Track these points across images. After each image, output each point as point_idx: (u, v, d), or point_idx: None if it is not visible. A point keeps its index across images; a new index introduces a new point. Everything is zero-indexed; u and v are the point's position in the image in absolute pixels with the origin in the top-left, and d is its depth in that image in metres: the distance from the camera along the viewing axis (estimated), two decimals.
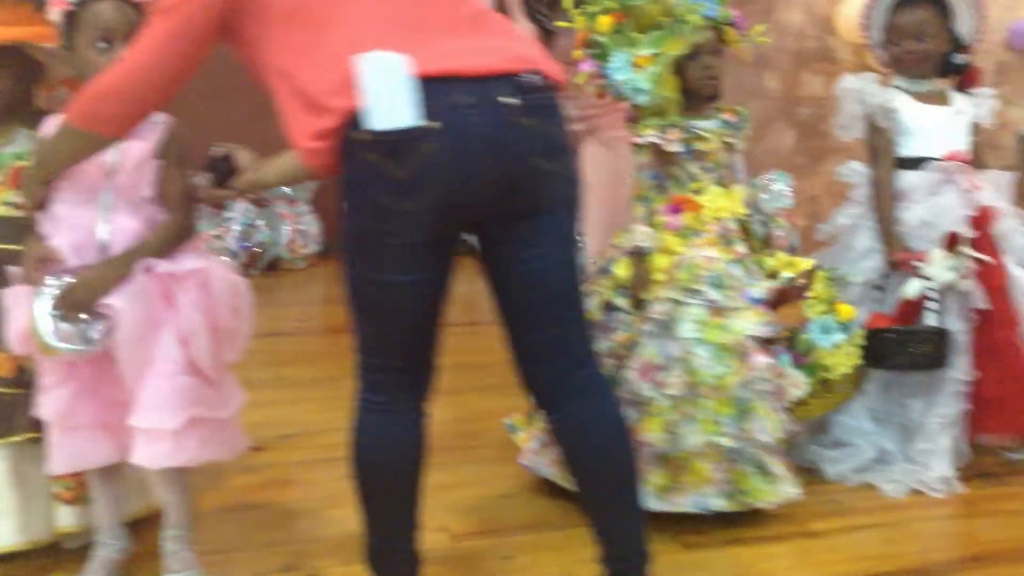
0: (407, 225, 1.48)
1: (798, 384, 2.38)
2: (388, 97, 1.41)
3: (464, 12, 1.57)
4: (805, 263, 2.41)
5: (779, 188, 2.57)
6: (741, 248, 2.33)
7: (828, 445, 2.64)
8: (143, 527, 2.13)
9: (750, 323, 2.22)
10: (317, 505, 2.37)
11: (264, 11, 1.53)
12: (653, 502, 2.20)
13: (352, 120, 1.44)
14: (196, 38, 1.57)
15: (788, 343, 2.43)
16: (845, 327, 2.44)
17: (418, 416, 1.67)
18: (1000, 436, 2.64)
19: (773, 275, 2.37)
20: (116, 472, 2.01)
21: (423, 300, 1.57)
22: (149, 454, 1.84)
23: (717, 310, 2.21)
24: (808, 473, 2.58)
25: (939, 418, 2.53)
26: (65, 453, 1.89)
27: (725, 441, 2.18)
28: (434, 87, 1.44)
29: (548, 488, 2.39)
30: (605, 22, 2.34)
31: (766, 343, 2.41)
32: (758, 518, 2.30)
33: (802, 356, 2.41)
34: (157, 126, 1.93)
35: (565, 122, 1.60)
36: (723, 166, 2.39)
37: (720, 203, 2.33)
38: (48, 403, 1.88)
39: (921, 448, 2.53)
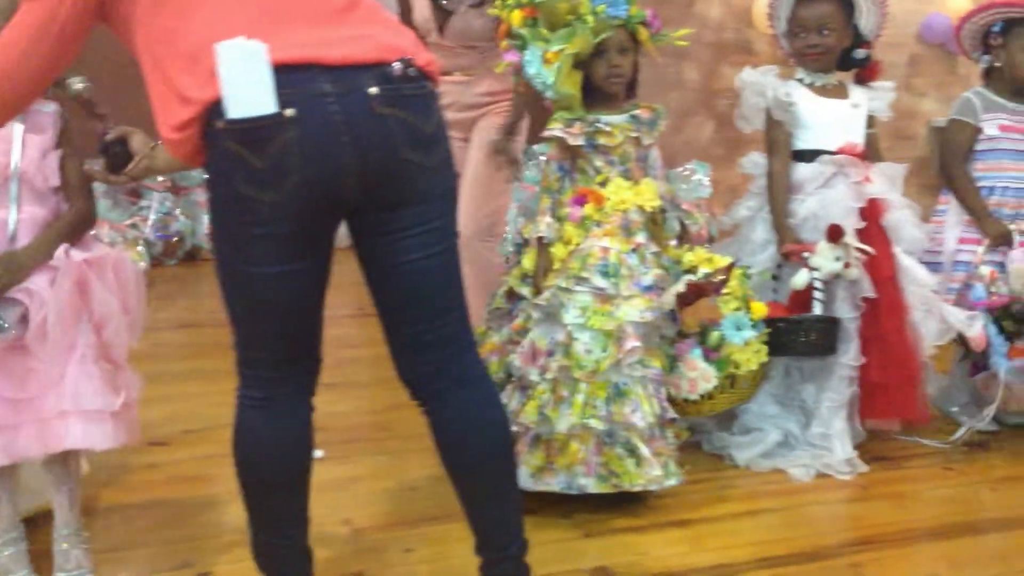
0: (271, 215, 1.46)
1: (708, 378, 2.43)
2: (245, 85, 1.39)
3: (335, 1, 1.54)
4: (723, 260, 2.47)
5: (698, 178, 2.63)
6: (641, 238, 2.37)
7: (737, 432, 2.70)
8: (36, 525, 2.10)
9: (635, 310, 2.26)
10: (218, 500, 2.36)
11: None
12: (528, 482, 2.24)
13: (213, 109, 1.42)
14: (67, 26, 1.53)
15: (700, 338, 2.47)
16: (756, 325, 2.49)
17: (302, 411, 1.65)
18: (885, 421, 2.72)
19: (691, 270, 2.43)
20: (14, 471, 1.98)
21: (296, 291, 1.55)
22: (95, 435, 1.87)
23: (605, 297, 2.26)
24: (719, 460, 2.64)
25: (830, 402, 2.60)
26: None
27: (595, 424, 2.21)
28: (294, 75, 1.42)
29: None
30: (517, 16, 2.41)
31: (679, 335, 2.46)
32: (657, 504, 2.34)
33: (713, 351, 2.46)
34: (52, 116, 1.96)
35: (439, 113, 1.58)
36: (630, 160, 2.44)
37: (623, 195, 2.39)
38: None
39: (818, 432, 2.61)
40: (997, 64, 2.84)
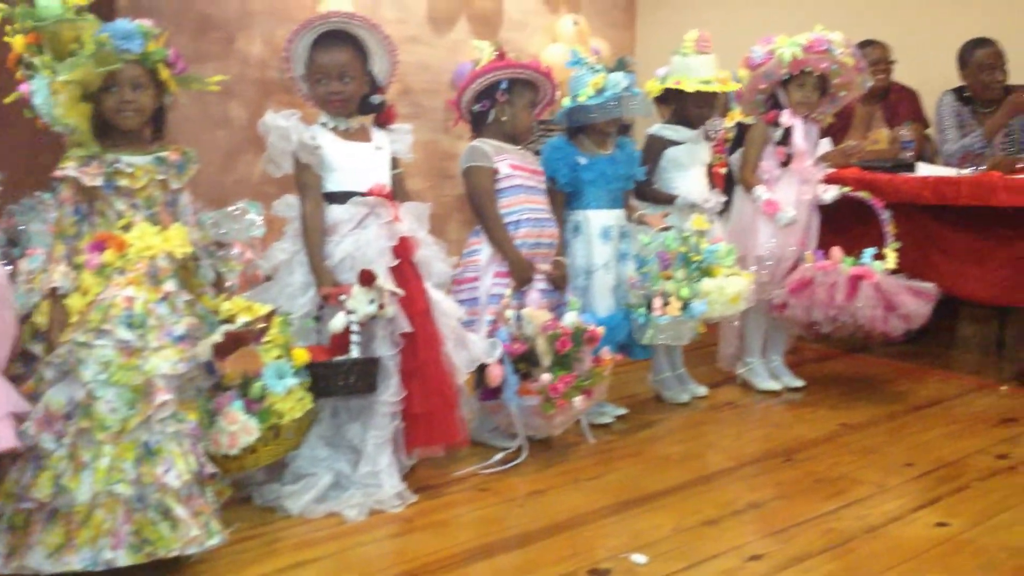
0: None
1: (250, 431, 2.34)
2: None
3: None
4: (263, 308, 2.41)
5: (251, 217, 2.57)
6: (171, 286, 2.26)
7: (289, 480, 2.63)
8: None
9: (166, 361, 2.14)
10: None
11: None
12: (45, 565, 2.02)
13: None
14: None
15: (241, 390, 2.38)
16: (299, 372, 2.45)
17: None
18: (430, 449, 2.80)
19: (230, 319, 2.34)
20: None
21: None
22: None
23: (131, 351, 2.12)
24: (271, 512, 2.55)
25: (375, 439, 2.64)
26: None
27: (123, 489, 2.05)
28: None
29: None
30: (20, 42, 2.25)
31: (217, 387, 2.35)
32: (199, 569, 2.21)
33: (255, 402, 2.38)
34: None
35: None
36: (157, 204, 2.33)
37: (149, 241, 2.27)
38: None
39: (366, 471, 2.63)
40: (503, 118, 3.11)
